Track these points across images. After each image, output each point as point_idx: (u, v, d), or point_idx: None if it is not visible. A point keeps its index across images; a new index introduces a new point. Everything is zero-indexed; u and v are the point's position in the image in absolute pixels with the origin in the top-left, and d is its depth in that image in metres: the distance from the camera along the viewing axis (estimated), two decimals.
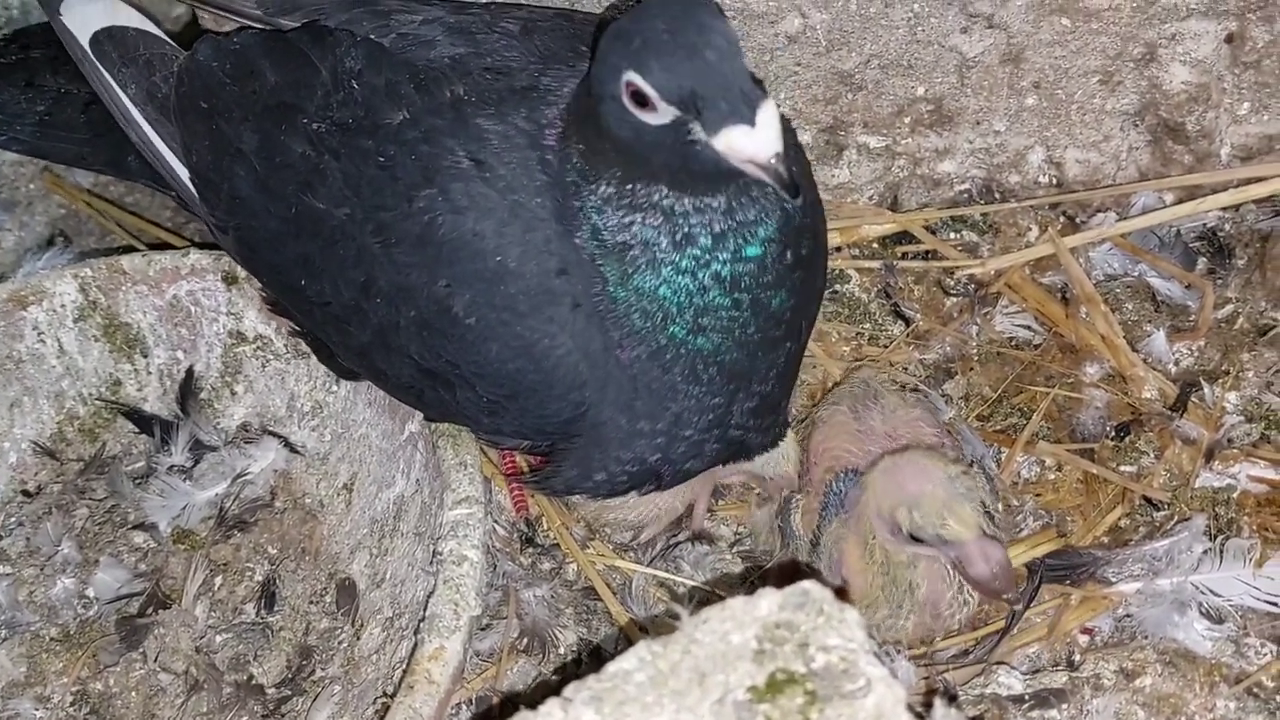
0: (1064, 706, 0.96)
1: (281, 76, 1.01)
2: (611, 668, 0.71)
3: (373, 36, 1.00)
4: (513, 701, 1.02)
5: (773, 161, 0.81)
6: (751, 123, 0.80)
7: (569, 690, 0.71)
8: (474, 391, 0.95)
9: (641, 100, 0.82)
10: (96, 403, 1.26)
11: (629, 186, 0.88)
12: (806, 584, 0.73)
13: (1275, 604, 1.03)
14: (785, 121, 0.98)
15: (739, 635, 0.71)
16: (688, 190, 0.87)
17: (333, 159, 0.97)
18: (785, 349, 0.96)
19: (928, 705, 0.69)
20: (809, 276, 0.95)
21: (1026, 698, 0.98)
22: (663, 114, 0.82)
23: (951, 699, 0.96)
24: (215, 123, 1.04)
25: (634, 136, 0.85)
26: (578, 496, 1.06)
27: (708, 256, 0.88)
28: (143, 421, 1.25)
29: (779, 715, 0.68)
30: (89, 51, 1.10)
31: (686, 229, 0.88)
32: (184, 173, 1.08)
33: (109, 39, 1.10)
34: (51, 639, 1.14)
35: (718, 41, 0.81)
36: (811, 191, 0.97)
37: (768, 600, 0.73)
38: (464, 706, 1.04)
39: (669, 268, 0.89)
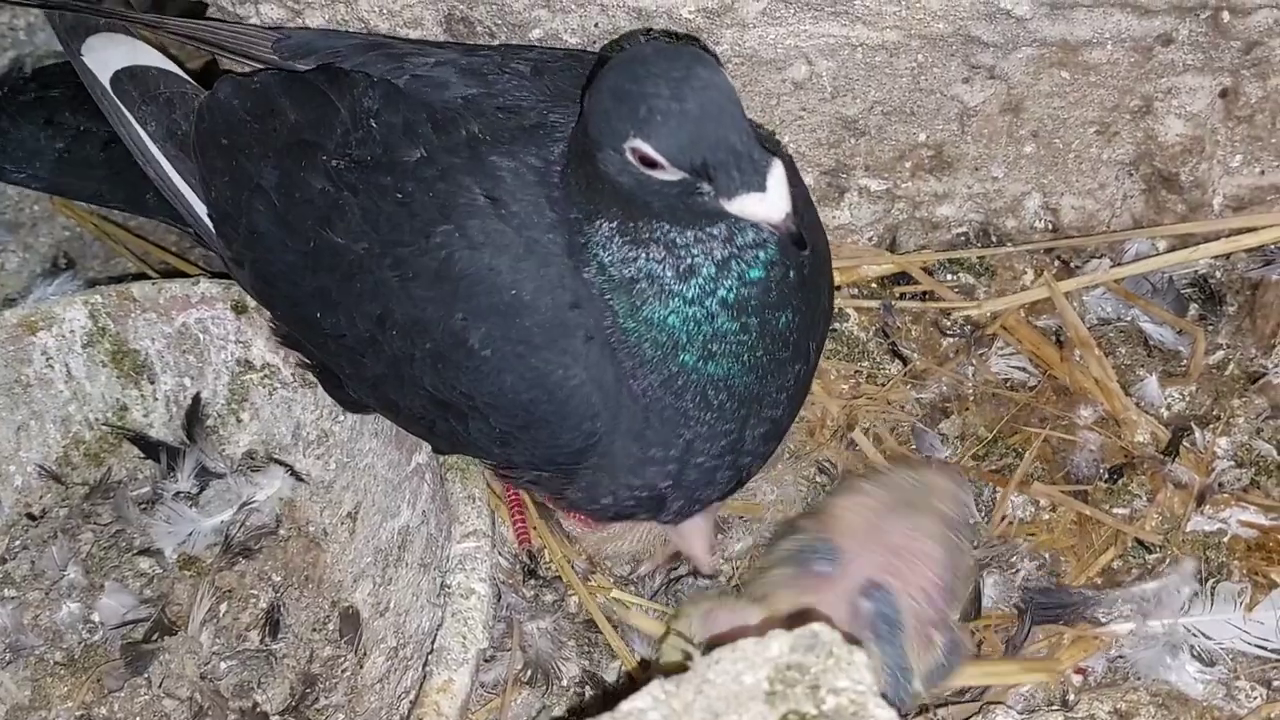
0: None
1: (301, 115, 1.03)
2: (625, 706, 0.73)
3: (388, 78, 1.03)
4: None
5: (784, 220, 0.84)
6: (763, 189, 0.83)
7: None
8: (487, 423, 0.97)
9: (650, 164, 0.85)
10: (103, 428, 1.27)
11: (630, 225, 0.90)
12: (817, 626, 0.75)
13: (1265, 648, 1.05)
14: (775, 141, 1.01)
15: (751, 676, 0.73)
16: (689, 225, 0.89)
17: (351, 195, 0.99)
18: (794, 371, 0.98)
19: None
20: (813, 296, 0.97)
21: None
22: (670, 173, 0.85)
23: None
24: (235, 159, 1.05)
25: (636, 185, 0.87)
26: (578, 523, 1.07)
27: (713, 284, 0.90)
28: (149, 447, 1.26)
29: None
30: (109, 90, 1.13)
31: (690, 260, 0.90)
32: (201, 208, 1.10)
33: (129, 78, 1.13)
34: (56, 663, 1.14)
35: (723, 105, 0.83)
36: (809, 213, 0.99)
37: (778, 642, 0.75)
38: None
39: (676, 299, 0.91)
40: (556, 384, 0.94)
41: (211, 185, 1.08)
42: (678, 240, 0.89)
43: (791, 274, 0.93)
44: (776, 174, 0.83)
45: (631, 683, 1.07)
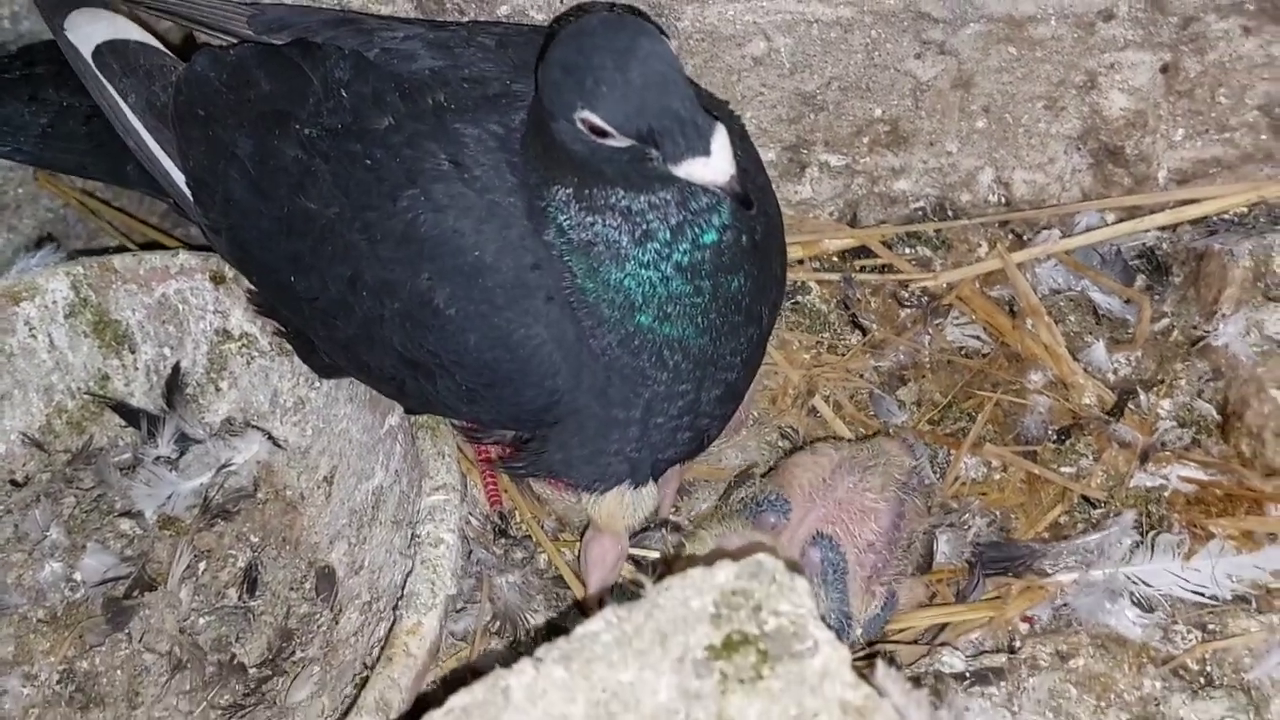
0: (1002, 684, 1.03)
1: (275, 85, 1.07)
2: (580, 630, 0.77)
3: (359, 51, 1.07)
4: (479, 674, 1.07)
5: (730, 182, 0.88)
6: (707, 153, 0.87)
7: (540, 650, 0.77)
8: (453, 380, 1.01)
9: (599, 133, 0.88)
10: (84, 396, 1.30)
11: (585, 191, 0.94)
12: (761, 556, 0.79)
13: (1202, 594, 1.09)
14: (732, 117, 1.04)
15: (698, 601, 0.77)
16: (642, 190, 0.93)
17: (323, 162, 1.02)
18: (747, 334, 1.02)
19: (870, 667, 0.75)
20: (764, 261, 1.01)
21: (967, 675, 1.04)
22: (619, 140, 0.89)
23: (892, 661, 1.02)
24: (211, 129, 1.09)
25: (589, 153, 0.91)
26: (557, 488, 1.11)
27: (668, 249, 0.94)
28: (130, 415, 1.29)
29: (733, 672, 0.74)
30: (91, 63, 1.16)
31: (645, 225, 0.93)
32: (180, 178, 1.14)
33: (110, 51, 1.16)
34: (39, 620, 1.18)
35: (665, 74, 0.87)
36: (761, 175, 1.02)
37: (725, 571, 0.79)
38: (438, 684, 1.09)
39: (632, 262, 0.94)
40: (519, 342, 0.98)
41: (189, 155, 1.12)
42: (632, 206, 0.93)
43: (744, 239, 0.96)
44: (720, 138, 0.87)
45: (582, 612, 1.12)
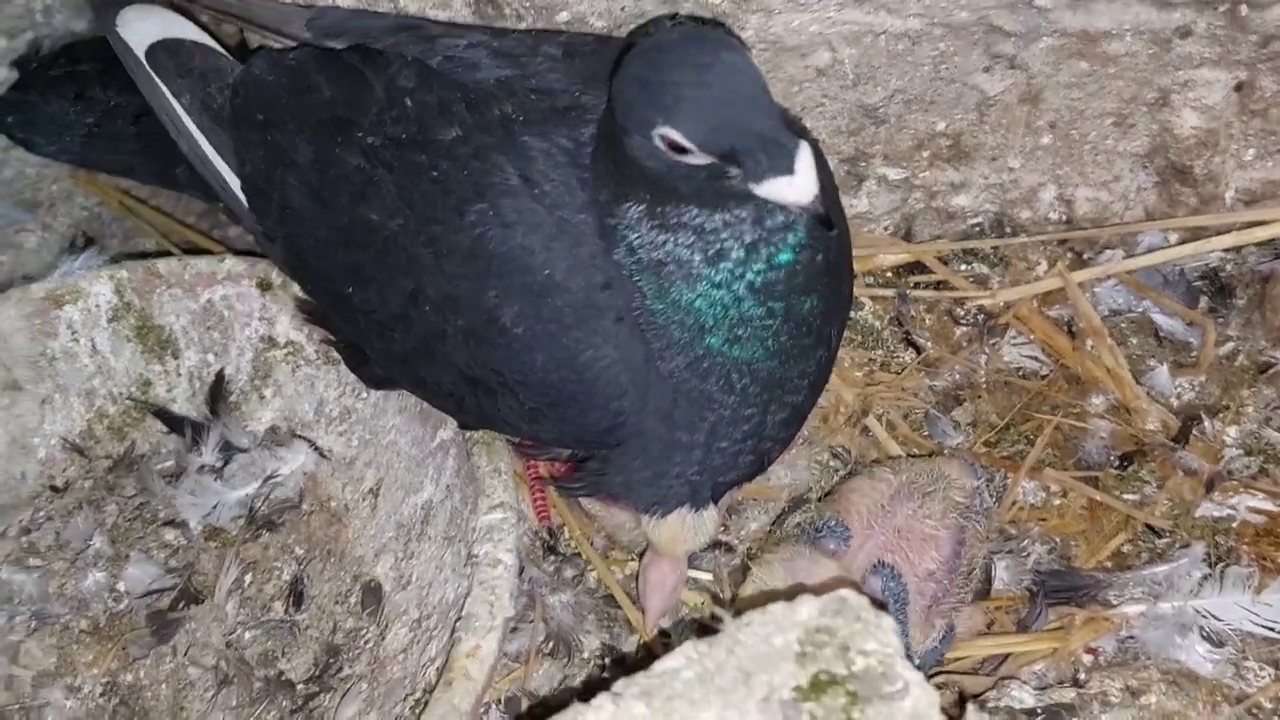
0: None
1: (337, 92, 1.05)
2: (659, 666, 0.74)
3: (421, 59, 1.04)
4: (542, 704, 1.05)
5: (814, 202, 0.85)
6: (791, 172, 0.84)
7: (619, 685, 0.74)
8: (516, 399, 0.99)
9: (679, 149, 0.86)
10: (126, 402, 1.28)
11: (658, 209, 0.91)
12: (844, 592, 0.77)
13: (1273, 629, 1.07)
14: (801, 125, 1.02)
15: (781, 638, 0.75)
16: (717, 208, 0.90)
17: (386, 172, 1.00)
18: (816, 357, 0.99)
19: (960, 708, 0.73)
20: (836, 281, 0.98)
21: (1039, 711, 1.01)
22: (699, 157, 0.86)
23: (982, 705, 0.99)
24: (270, 134, 1.07)
25: (664, 170, 0.88)
26: (615, 508, 1.09)
27: (741, 268, 0.91)
28: (173, 421, 1.27)
29: (823, 714, 0.71)
30: (144, 62, 1.13)
31: (719, 245, 0.91)
32: (234, 182, 1.11)
33: (164, 50, 1.13)
34: (81, 631, 1.16)
35: (749, 89, 0.84)
36: (834, 197, 0.99)
37: (807, 606, 0.76)
38: (492, 706, 1.07)
39: (704, 282, 0.92)
40: (586, 364, 0.95)
41: (245, 159, 1.09)
42: (705, 225, 0.90)
43: (819, 258, 0.94)
44: (805, 157, 0.84)
45: (649, 653, 1.09)
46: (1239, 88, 1.23)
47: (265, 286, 1.26)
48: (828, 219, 0.87)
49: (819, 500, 1.17)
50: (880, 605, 0.77)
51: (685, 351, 0.94)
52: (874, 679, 0.72)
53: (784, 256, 0.92)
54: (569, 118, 0.97)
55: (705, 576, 1.17)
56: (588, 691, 0.76)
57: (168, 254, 1.41)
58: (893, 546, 1.06)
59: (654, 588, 1.10)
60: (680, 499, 1.03)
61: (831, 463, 1.26)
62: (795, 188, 0.84)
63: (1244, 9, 1.16)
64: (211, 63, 1.13)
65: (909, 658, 1.02)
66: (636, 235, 0.93)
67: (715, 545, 1.18)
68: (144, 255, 1.45)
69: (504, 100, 0.99)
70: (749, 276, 0.92)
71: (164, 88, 1.13)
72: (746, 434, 1.00)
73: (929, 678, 1.06)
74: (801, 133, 1.01)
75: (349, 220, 1.02)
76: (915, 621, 1.05)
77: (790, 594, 0.78)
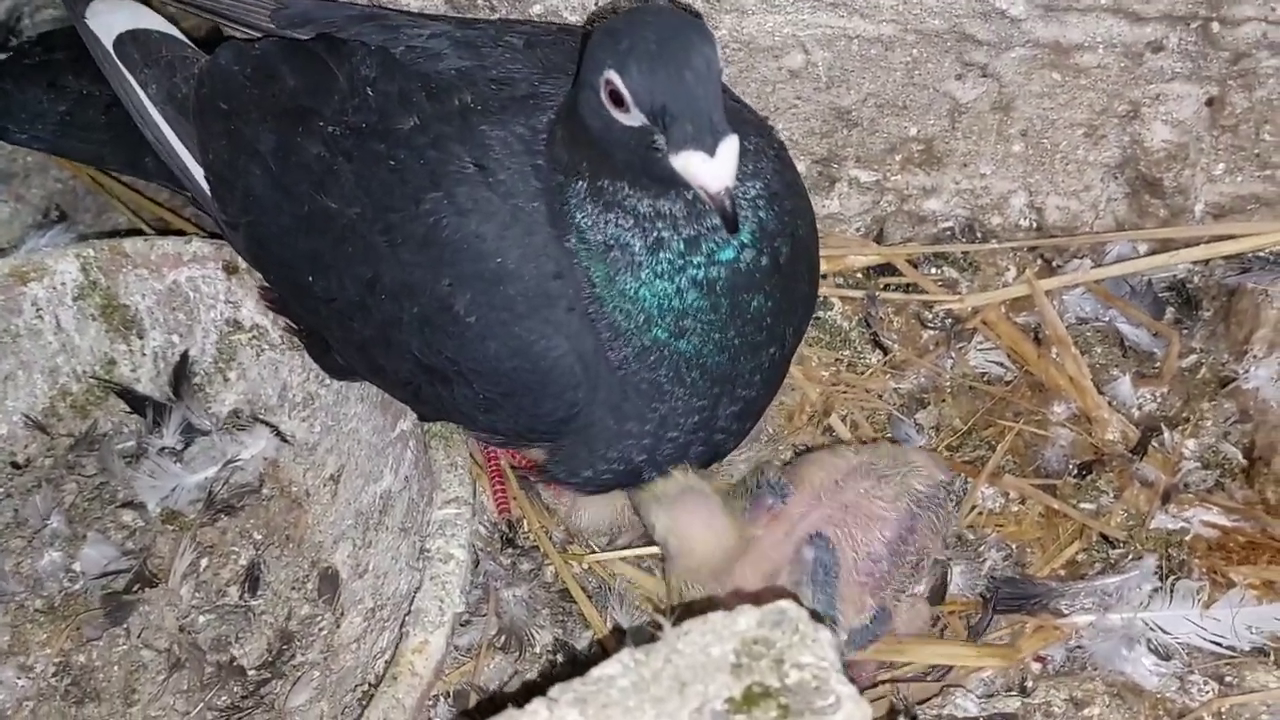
0: None
1: (300, 81, 1.04)
2: (596, 672, 0.75)
3: (384, 47, 1.04)
4: (490, 700, 1.05)
5: (720, 194, 0.85)
6: (711, 152, 0.84)
7: (554, 691, 0.75)
8: (471, 389, 0.99)
9: (617, 99, 0.86)
10: (90, 380, 1.28)
11: (599, 183, 0.92)
12: (784, 603, 0.77)
13: (1220, 644, 1.07)
14: (770, 134, 1.02)
15: (718, 648, 0.75)
16: (648, 191, 0.91)
17: (346, 160, 1.00)
18: (769, 354, 1.00)
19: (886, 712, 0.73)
20: (789, 282, 0.98)
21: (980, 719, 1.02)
22: (633, 117, 0.86)
23: (913, 718, 1.00)
24: (233, 123, 1.07)
25: (603, 128, 0.89)
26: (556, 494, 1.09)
27: (682, 260, 0.92)
28: (136, 402, 1.27)
29: None
30: (111, 52, 1.14)
31: (656, 233, 0.92)
32: (198, 172, 1.11)
33: (132, 41, 1.14)
34: (36, 610, 1.16)
35: (699, 65, 0.85)
36: (791, 200, 0.99)
37: (746, 617, 0.77)
38: (441, 699, 1.07)
39: (646, 270, 0.92)
40: (540, 354, 0.96)
41: (209, 149, 1.09)
42: (639, 208, 0.91)
43: (764, 259, 0.94)
44: (729, 145, 0.84)
45: (604, 651, 1.10)
46: (1210, 103, 1.23)
47: (231, 270, 1.25)
48: (734, 220, 0.86)
49: (781, 466, 1.17)
50: (815, 617, 0.77)
51: (633, 342, 0.95)
52: (807, 692, 0.73)
53: (726, 254, 0.92)
54: (527, 106, 0.98)
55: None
56: (532, 690, 0.76)
57: (138, 232, 1.41)
58: (837, 520, 1.06)
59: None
60: (620, 483, 1.04)
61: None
62: (709, 170, 0.84)
63: (1215, 25, 1.16)
64: (178, 53, 1.14)
65: (840, 654, 1.03)
66: (584, 215, 0.93)
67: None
68: (116, 232, 1.45)
69: (464, 90, 0.99)
70: (691, 271, 0.92)
71: (130, 78, 1.13)
72: (696, 425, 1.00)
73: (880, 682, 1.07)
74: (764, 131, 1.01)
75: (309, 208, 1.02)
76: (847, 597, 1.04)
77: (730, 603, 0.78)
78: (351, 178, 1.00)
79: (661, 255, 0.92)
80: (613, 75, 0.85)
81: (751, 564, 1.05)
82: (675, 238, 0.91)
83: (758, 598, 0.80)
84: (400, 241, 0.97)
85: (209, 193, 1.11)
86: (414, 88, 1.00)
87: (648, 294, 0.93)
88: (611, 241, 0.93)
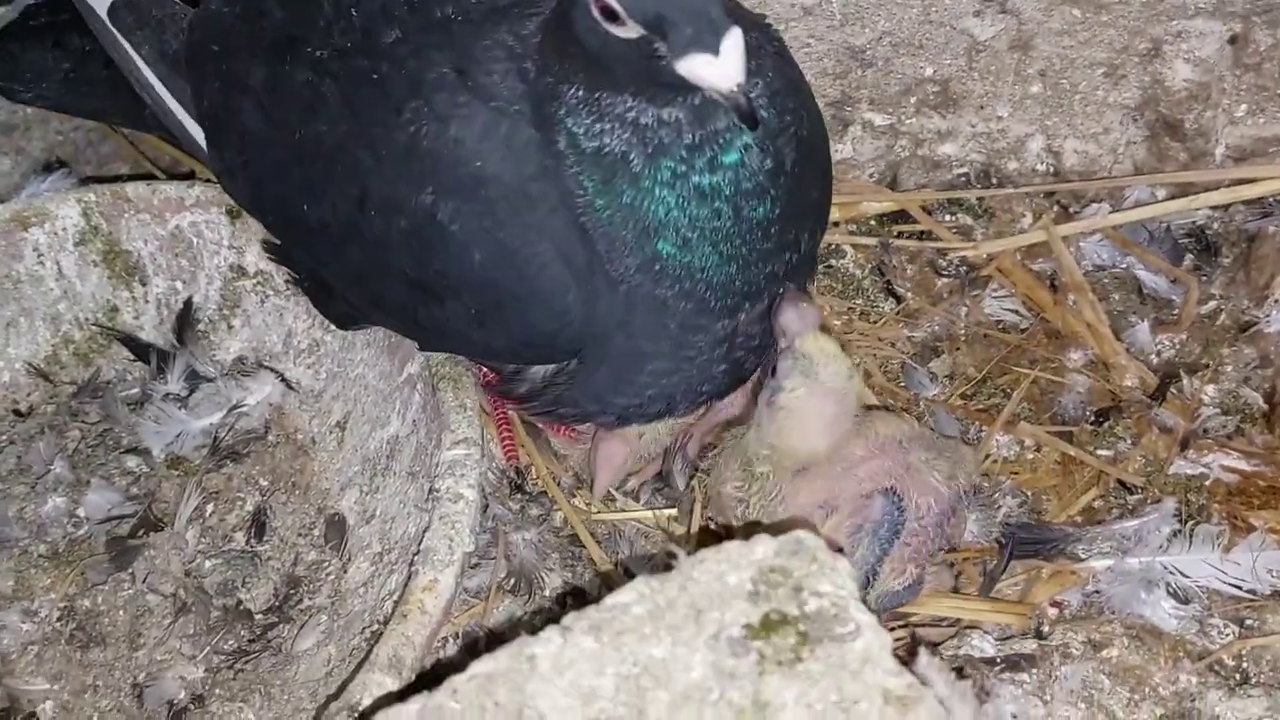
0: (1034, 671, 0.99)
1: (287, 12, 1.04)
2: (610, 600, 0.73)
3: None
4: (498, 638, 1.04)
5: (733, 91, 0.82)
6: (716, 51, 0.81)
7: (568, 619, 0.73)
8: (461, 303, 0.97)
9: (609, 14, 0.83)
10: (92, 327, 1.26)
11: (596, 96, 0.89)
12: (801, 533, 0.76)
13: (1240, 588, 1.06)
14: (768, 31, 0.98)
15: (735, 576, 0.74)
16: (654, 100, 0.88)
17: (333, 82, 0.99)
18: (783, 260, 0.97)
19: (911, 655, 0.72)
20: (798, 186, 0.95)
21: (998, 661, 1.01)
22: (630, 29, 0.83)
23: (938, 652, 0.99)
24: (225, 63, 1.06)
25: (600, 45, 0.86)
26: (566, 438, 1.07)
27: (685, 167, 0.89)
28: (139, 349, 1.26)
29: (772, 653, 0.70)
30: (106, 20, 1.13)
31: (658, 140, 0.89)
32: (196, 129, 1.11)
33: (125, 6, 1.14)
34: (40, 555, 1.14)
35: None
36: (794, 98, 0.95)
37: (763, 546, 0.75)
38: (450, 640, 1.06)
39: (647, 180, 0.90)
40: (524, 260, 0.93)
41: (203, 95, 1.09)
42: (641, 119, 0.88)
43: (768, 162, 0.91)
44: (734, 39, 0.81)
45: (606, 583, 1.08)
46: (1233, 40, 1.21)
47: (234, 214, 1.24)
48: (751, 115, 0.84)
49: None
50: (838, 549, 0.76)
51: (635, 254, 0.92)
52: (826, 620, 0.71)
53: (730, 156, 0.89)
54: (510, 14, 0.95)
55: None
56: (547, 620, 0.75)
57: (147, 178, 1.39)
58: (899, 477, 1.03)
59: (603, 462, 1.11)
60: (657, 412, 1.01)
61: None
62: (717, 70, 0.81)
63: None
64: (168, 11, 1.14)
65: (865, 594, 1.01)
66: (576, 122, 0.90)
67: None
68: (118, 178, 1.43)
69: (446, 2, 0.97)
70: (694, 178, 0.89)
71: (125, 43, 1.13)
72: (715, 342, 0.98)
73: (899, 625, 1.06)
74: (762, 28, 0.97)
75: (299, 135, 1.00)
76: (895, 557, 1.03)
77: (746, 533, 0.77)
78: (338, 98, 0.98)
79: (663, 163, 0.89)
80: None
81: (808, 481, 1.02)
82: (678, 143, 0.88)
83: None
84: (384, 154, 0.96)
85: (206, 147, 1.10)
86: (396, 3, 0.99)
87: (648, 202, 0.90)
88: (607, 151, 0.89)
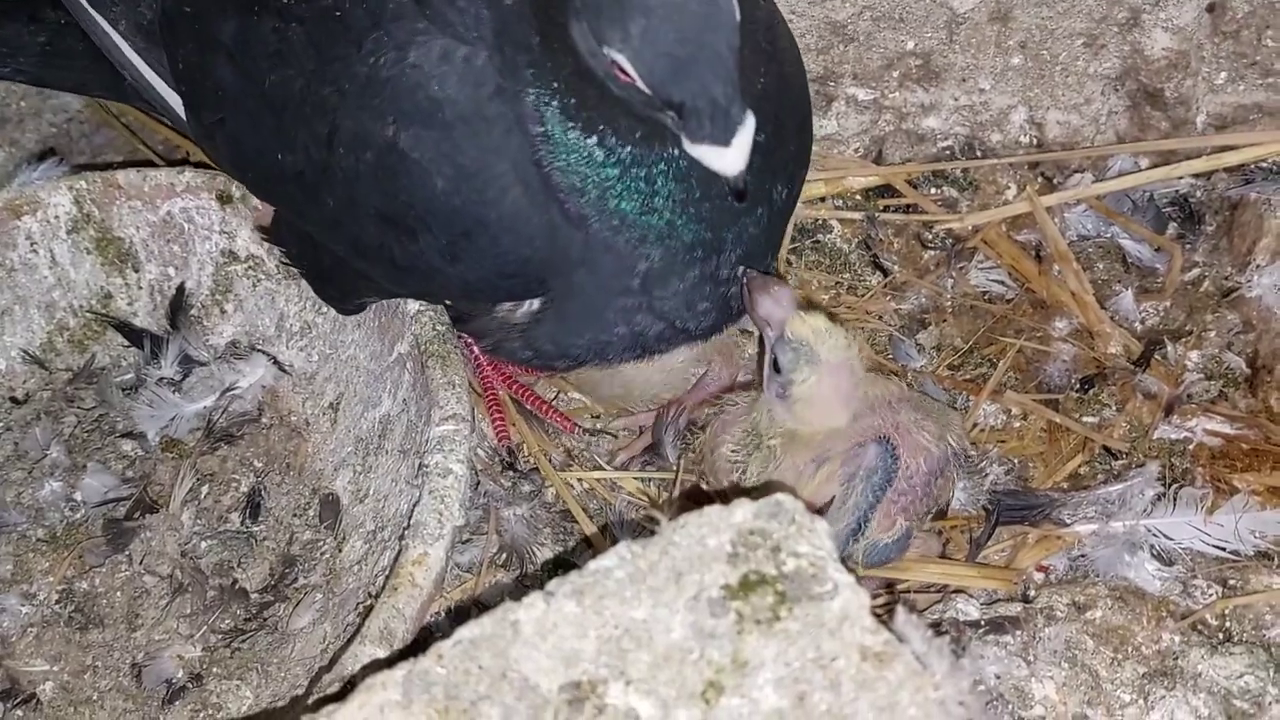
0: (1018, 633, 1.01)
1: None
2: (592, 565, 0.75)
3: None
4: (486, 608, 1.05)
5: (736, 176, 0.84)
6: (726, 145, 0.83)
7: (551, 584, 0.75)
8: (432, 235, 0.97)
9: (626, 74, 0.84)
10: (87, 314, 1.27)
11: (580, 109, 0.90)
12: (780, 495, 0.77)
13: (1223, 549, 1.07)
14: (768, 11, 0.99)
15: (715, 539, 0.75)
16: (638, 131, 0.89)
17: (299, 26, 0.99)
18: (755, 215, 0.98)
19: (890, 614, 0.73)
20: (772, 146, 0.95)
21: (982, 623, 1.02)
22: (644, 90, 0.84)
23: (912, 608, 1.00)
24: (198, 24, 1.06)
25: (605, 76, 0.86)
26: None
27: (655, 156, 0.91)
28: (133, 335, 1.27)
29: (750, 612, 0.72)
30: (85, 5, 1.14)
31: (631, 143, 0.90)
32: (175, 99, 1.11)
33: None
34: (38, 539, 1.16)
35: (719, 44, 0.81)
36: (775, 64, 0.96)
37: (743, 509, 0.76)
38: (442, 615, 1.08)
39: (615, 153, 0.91)
40: (484, 183, 0.93)
41: (180, 60, 1.09)
42: (622, 123, 0.90)
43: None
44: (744, 136, 0.82)
45: (590, 548, 1.10)
46: (1211, 8, 1.21)
47: (225, 200, 1.24)
48: (742, 193, 0.85)
49: None
50: (818, 511, 0.77)
51: (593, 206, 0.93)
52: (804, 580, 0.73)
53: None
54: None
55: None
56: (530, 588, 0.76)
57: (144, 163, 1.40)
58: (888, 434, 1.04)
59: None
60: (625, 346, 1.02)
61: None
62: (725, 159, 0.83)
63: None
64: None
65: (854, 537, 1.02)
66: (543, 93, 0.91)
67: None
68: (111, 167, 1.44)
69: None
70: (663, 164, 0.91)
71: (102, 20, 1.13)
72: (698, 279, 0.98)
73: (884, 588, 1.07)
74: (766, 14, 0.97)
75: (270, 84, 1.01)
76: (884, 510, 1.04)
77: (726, 497, 0.78)
78: (304, 40, 0.99)
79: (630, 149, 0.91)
80: (621, 61, 0.82)
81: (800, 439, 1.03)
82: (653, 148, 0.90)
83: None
84: (348, 88, 0.96)
85: (185, 116, 1.10)
86: None
87: (606, 161, 0.91)
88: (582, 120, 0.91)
